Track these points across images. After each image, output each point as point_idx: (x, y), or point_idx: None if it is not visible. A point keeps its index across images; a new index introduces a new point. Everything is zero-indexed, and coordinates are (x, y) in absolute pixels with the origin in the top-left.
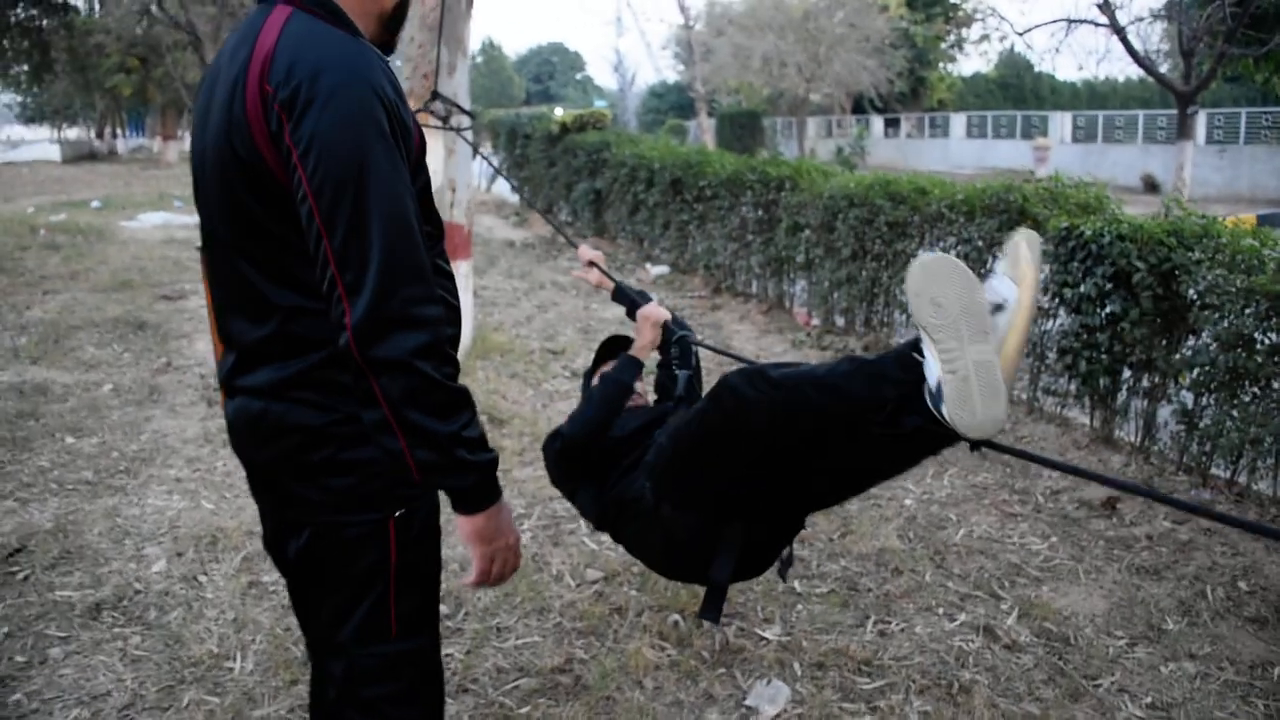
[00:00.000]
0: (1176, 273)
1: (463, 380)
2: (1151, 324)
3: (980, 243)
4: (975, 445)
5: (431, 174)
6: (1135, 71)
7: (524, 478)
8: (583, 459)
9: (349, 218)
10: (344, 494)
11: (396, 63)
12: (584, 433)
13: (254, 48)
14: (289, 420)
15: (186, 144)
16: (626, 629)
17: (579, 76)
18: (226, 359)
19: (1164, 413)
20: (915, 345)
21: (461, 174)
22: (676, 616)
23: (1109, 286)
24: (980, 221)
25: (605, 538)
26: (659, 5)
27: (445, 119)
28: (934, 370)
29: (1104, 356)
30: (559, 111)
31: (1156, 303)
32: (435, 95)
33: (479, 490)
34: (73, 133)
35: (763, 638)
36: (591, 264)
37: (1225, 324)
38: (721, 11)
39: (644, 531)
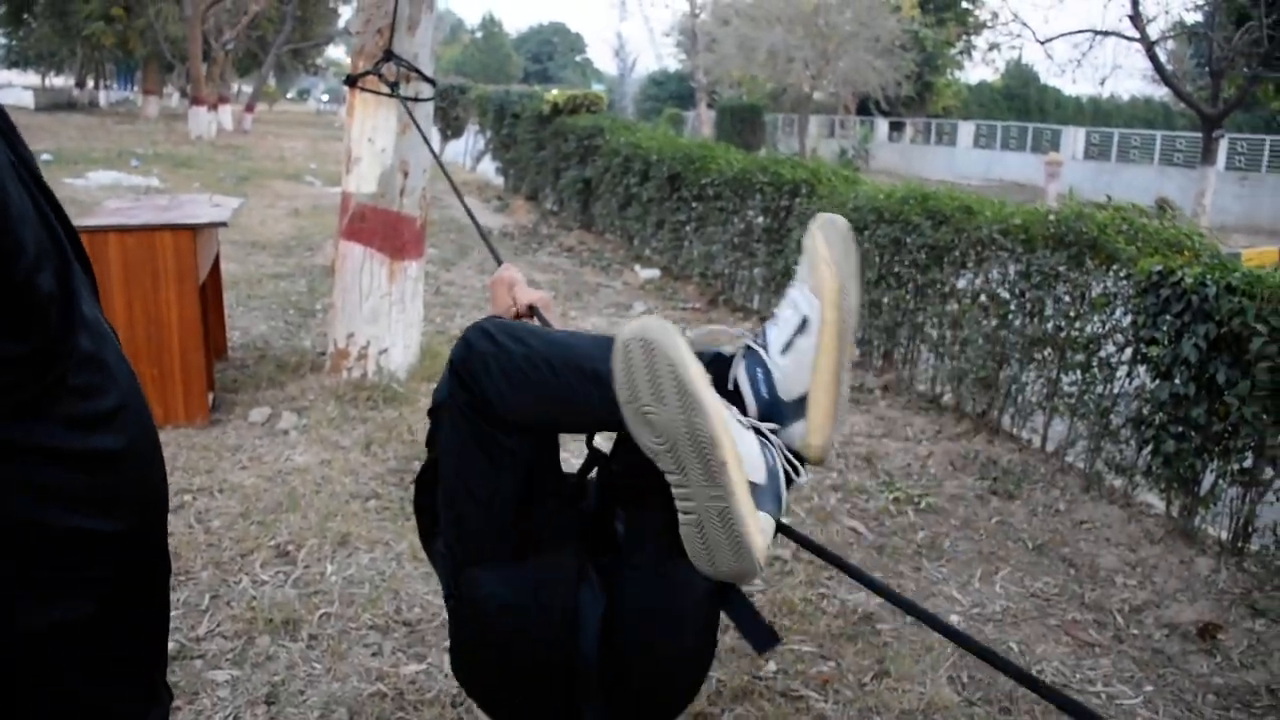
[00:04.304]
0: None
1: (399, 410)
2: (1265, 402)
3: (1037, 279)
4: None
5: (380, 151)
6: (1143, 90)
7: None
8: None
9: None
10: None
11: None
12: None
13: None
14: None
15: (171, 100)
16: None
17: (579, 59)
18: None
19: (1268, 512)
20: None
21: (415, 155)
22: None
23: (1212, 351)
24: (1041, 254)
25: None
26: None
27: (394, 85)
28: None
29: (1195, 435)
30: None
31: (1277, 376)
32: (389, 55)
33: None
34: (60, 80)
35: None
36: (531, 311)
37: None
38: (729, 1)
39: (463, 637)
